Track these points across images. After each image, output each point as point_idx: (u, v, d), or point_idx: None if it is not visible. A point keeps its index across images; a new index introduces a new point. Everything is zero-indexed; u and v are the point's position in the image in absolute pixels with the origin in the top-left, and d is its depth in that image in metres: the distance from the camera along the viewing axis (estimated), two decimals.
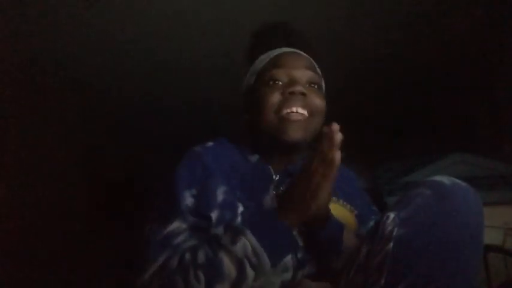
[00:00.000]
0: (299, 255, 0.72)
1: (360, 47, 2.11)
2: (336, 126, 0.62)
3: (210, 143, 0.85)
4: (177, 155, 0.85)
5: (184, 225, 0.71)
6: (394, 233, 0.58)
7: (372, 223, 0.81)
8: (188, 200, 0.73)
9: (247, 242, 0.62)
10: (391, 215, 0.60)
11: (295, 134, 0.76)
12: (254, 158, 0.82)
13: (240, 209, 0.72)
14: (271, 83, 0.80)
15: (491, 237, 1.58)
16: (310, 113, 0.78)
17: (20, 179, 2.19)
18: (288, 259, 0.69)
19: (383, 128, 2.89)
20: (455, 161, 1.91)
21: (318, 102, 0.79)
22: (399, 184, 2.01)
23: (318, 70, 0.87)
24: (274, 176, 0.80)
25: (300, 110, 0.77)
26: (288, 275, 0.70)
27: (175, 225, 0.70)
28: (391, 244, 0.57)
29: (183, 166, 0.78)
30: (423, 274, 0.55)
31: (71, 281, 2.48)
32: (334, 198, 0.79)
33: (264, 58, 0.86)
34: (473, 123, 2.57)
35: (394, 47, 2.11)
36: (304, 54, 0.85)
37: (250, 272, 0.62)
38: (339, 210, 0.78)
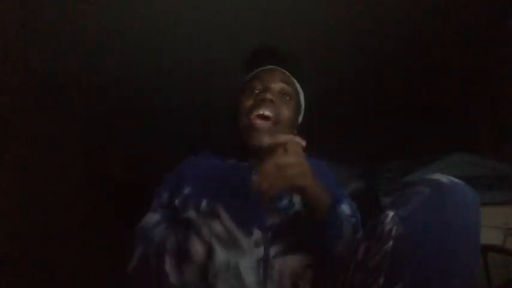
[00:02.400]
0: (269, 232, 0.74)
1: (359, 47, 2.11)
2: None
3: (192, 157, 0.96)
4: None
5: (156, 216, 0.82)
6: (393, 232, 0.58)
7: (343, 206, 0.84)
8: (164, 197, 0.86)
9: (217, 222, 0.67)
10: (390, 214, 0.60)
11: (261, 140, 0.82)
12: (233, 159, 0.92)
13: (205, 201, 0.79)
14: (249, 91, 0.92)
15: (491, 237, 1.57)
16: (276, 121, 0.86)
17: (20, 178, 2.19)
18: (258, 235, 0.73)
19: (382, 128, 2.89)
20: (455, 161, 1.91)
21: (286, 112, 0.89)
22: (399, 184, 2.01)
23: (295, 85, 0.98)
24: (252, 172, 0.83)
25: (266, 113, 0.85)
26: (260, 251, 0.72)
27: (148, 217, 0.83)
28: (391, 243, 0.57)
29: (166, 177, 0.92)
30: (422, 273, 0.55)
31: (70, 281, 2.48)
32: None
33: (250, 75, 0.99)
34: (473, 123, 2.57)
35: (395, 47, 2.11)
36: (283, 70, 0.97)
37: (219, 251, 0.65)
38: None
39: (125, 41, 2.00)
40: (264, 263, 0.71)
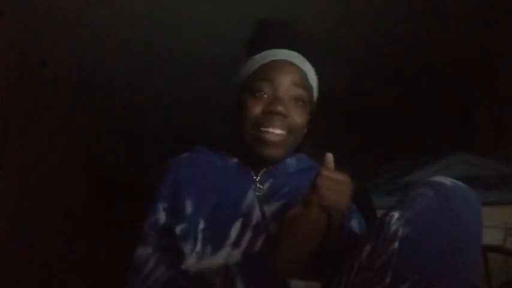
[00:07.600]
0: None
1: (360, 48, 2.11)
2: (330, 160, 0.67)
3: (186, 154, 0.87)
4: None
5: (149, 250, 0.75)
6: (399, 233, 0.59)
7: (353, 221, 0.83)
8: (161, 214, 0.78)
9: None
10: (396, 215, 0.61)
11: (271, 153, 0.77)
12: (234, 160, 0.84)
13: (201, 226, 0.75)
14: (256, 94, 0.79)
15: (491, 237, 1.57)
16: (288, 131, 0.78)
17: (19, 178, 2.19)
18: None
19: (383, 128, 2.89)
20: (455, 161, 1.91)
21: (298, 120, 0.79)
22: (399, 184, 2.01)
23: (310, 81, 0.85)
24: (254, 177, 0.81)
25: (277, 131, 0.77)
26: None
27: (140, 250, 0.76)
28: (396, 244, 0.58)
29: (159, 180, 0.82)
30: (427, 274, 0.56)
31: (69, 280, 2.48)
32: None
33: (255, 61, 0.84)
34: (473, 123, 2.57)
35: (395, 48, 2.11)
36: (296, 65, 0.82)
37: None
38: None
39: (125, 41, 2.00)
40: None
